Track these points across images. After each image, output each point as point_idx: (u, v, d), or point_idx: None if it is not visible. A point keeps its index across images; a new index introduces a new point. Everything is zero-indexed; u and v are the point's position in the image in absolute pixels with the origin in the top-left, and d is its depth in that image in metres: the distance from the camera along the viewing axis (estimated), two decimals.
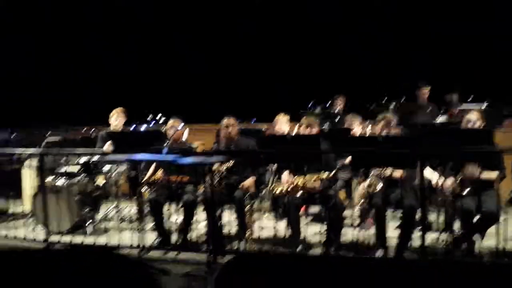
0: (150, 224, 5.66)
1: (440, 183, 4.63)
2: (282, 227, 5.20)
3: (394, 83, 7.43)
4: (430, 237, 5.06)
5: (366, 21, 8.54)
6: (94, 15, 10.28)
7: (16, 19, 10.88)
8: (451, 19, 7.95)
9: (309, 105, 7.22)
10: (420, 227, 4.48)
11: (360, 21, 8.59)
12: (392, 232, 4.81)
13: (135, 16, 10.22)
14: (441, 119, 6.73)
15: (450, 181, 4.56)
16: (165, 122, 5.87)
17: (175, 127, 5.68)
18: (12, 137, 7.72)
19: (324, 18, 8.74)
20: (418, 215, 4.62)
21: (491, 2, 7.66)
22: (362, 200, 4.85)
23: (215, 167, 4.88)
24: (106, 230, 5.80)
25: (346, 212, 5.19)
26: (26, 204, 6.44)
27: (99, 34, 10.38)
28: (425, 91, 7.32)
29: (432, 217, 5.43)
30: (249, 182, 5.26)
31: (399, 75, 7.74)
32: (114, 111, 6.65)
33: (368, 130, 6.38)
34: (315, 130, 5.28)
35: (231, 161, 5.27)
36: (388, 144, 4.52)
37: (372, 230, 4.77)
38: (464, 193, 4.44)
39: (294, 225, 4.84)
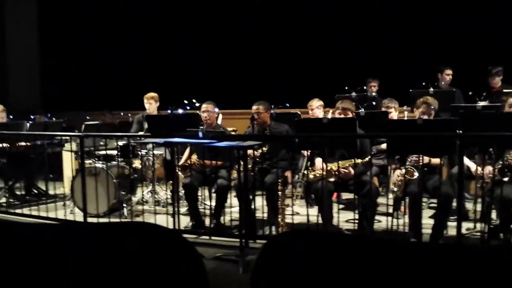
0: (184, 208, 5.76)
1: (479, 170, 4.48)
2: (314, 213, 5.17)
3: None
4: (466, 226, 4.93)
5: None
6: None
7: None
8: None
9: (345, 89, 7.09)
10: (456, 216, 4.37)
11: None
12: (427, 221, 4.71)
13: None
14: (482, 103, 6.47)
15: (490, 168, 4.40)
16: (200, 107, 5.90)
17: (210, 111, 5.71)
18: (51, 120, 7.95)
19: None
20: (454, 204, 4.50)
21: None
22: (396, 189, 4.75)
23: (249, 151, 4.87)
24: (141, 213, 5.93)
25: (380, 200, 5.10)
26: (65, 186, 6.65)
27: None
28: (449, 73, 6.94)
29: (469, 206, 5.28)
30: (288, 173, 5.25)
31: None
32: (144, 97, 6.80)
33: (406, 114, 6.23)
34: (351, 114, 5.17)
35: (266, 146, 5.26)
36: (427, 128, 4.37)
37: (406, 219, 4.67)
38: (505, 179, 4.28)
39: (326, 211, 4.80)
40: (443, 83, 6.95)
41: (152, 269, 1.14)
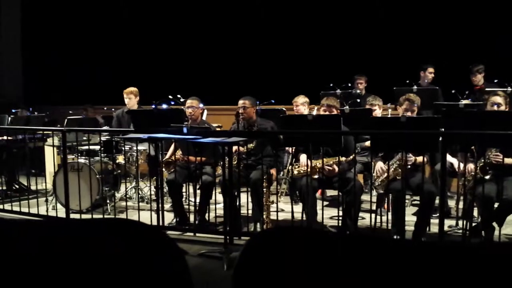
0: (168, 204, 5.73)
1: (461, 168, 4.53)
2: (298, 210, 5.19)
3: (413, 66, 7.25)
4: (448, 223, 4.99)
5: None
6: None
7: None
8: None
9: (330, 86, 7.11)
10: (438, 214, 4.41)
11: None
12: (410, 218, 4.75)
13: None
14: (464, 101, 6.54)
15: (472, 166, 4.45)
16: (185, 103, 5.87)
17: (194, 107, 5.68)
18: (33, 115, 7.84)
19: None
20: (437, 201, 4.55)
21: None
22: (378, 183, 4.77)
23: (234, 148, 4.86)
24: (125, 209, 5.88)
25: (364, 197, 5.13)
26: (48, 181, 6.57)
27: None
28: (431, 71, 7.01)
29: (451, 203, 5.34)
30: (273, 171, 5.24)
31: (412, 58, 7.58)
32: (124, 92, 6.75)
33: (390, 112, 6.28)
34: (335, 111, 5.19)
35: (253, 142, 5.25)
36: (410, 126, 4.41)
37: (389, 216, 4.71)
38: (487, 177, 4.34)
39: (310, 208, 4.81)
40: (426, 81, 7.03)
41: (134, 267, 1.13)
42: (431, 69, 7.04)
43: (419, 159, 4.63)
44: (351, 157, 4.73)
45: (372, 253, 1.15)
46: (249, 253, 1.19)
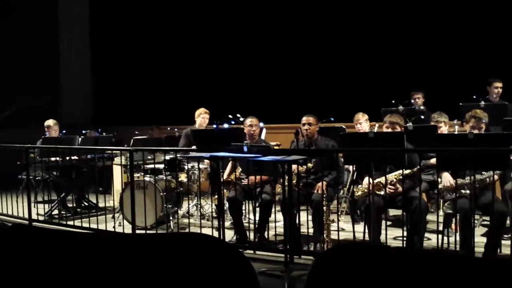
0: (228, 222, 5.79)
1: None
2: (359, 230, 5.08)
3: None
4: None
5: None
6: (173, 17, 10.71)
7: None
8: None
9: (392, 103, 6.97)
10: (510, 234, 4.18)
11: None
12: (479, 239, 4.53)
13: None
14: None
15: None
16: (243, 122, 5.96)
17: (253, 126, 5.74)
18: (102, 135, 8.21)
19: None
20: (508, 221, 4.31)
21: None
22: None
23: (294, 167, 4.84)
24: (187, 226, 6.00)
25: (429, 217, 4.95)
26: (115, 199, 6.83)
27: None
28: (498, 86, 6.62)
29: None
30: (319, 187, 5.09)
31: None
32: (198, 111, 6.95)
33: (457, 128, 6.04)
34: (399, 128, 5.06)
35: (312, 162, 5.21)
36: (479, 143, 4.23)
37: (457, 237, 4.51)
38: None
39: (375, 228, 4.67)
40: (494, 96, 6.71)
41: (211, 282, 1.15)
42: (497, 84, 6.68)
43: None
44: (415, 169, 4.58)
45: (441, 272, 1.12)
46: (318, 272, 1.18)
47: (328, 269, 1.19)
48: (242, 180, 5.52)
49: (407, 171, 4.56)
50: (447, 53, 7.96)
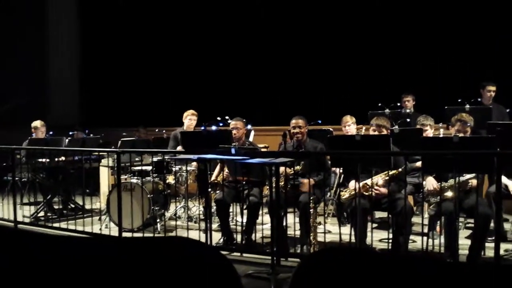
0: (216, 224, 5.79)
1: None
2: (346, 232, 5.11)
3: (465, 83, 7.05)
4: (504, 247, 4.77)
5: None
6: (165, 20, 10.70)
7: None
8: None
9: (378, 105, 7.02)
10: (493, 237, 4.23)
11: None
12: (463, 242, 4.59)
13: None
14: None
15: None
16: None
17: (239, 128, 5.74)
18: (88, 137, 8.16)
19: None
20: (492, 224, 4.37)
21: None
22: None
23: (282, 169, 4.85)
24: (174, 228, 5.99)
25: (414, 219, 5.00)
26: (101, 201, 6.80)
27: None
28: (491, 89, 6.69)
29: (507, 226, 5.12)
30: (305, 184, 5.10)
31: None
32: (186, 113, 6.93)
33: (442, 132, 6.11)
34: (385, 131, 5.11)
35: (300, 164, 5.23)
36: (464, 146, 4.28)
37: (442, 239, 4.56)
38: None
39: (361, 230, 4.70)
40: (487, 99, 6.77)
41: (194, 285, 1.16)
42: (490, 87, 6.70)
43: (474, 181, 4.47)
44: (400, 169, 4.62)
45: (425, 275, 1.14)
46: (302, 275, 1.19)
47: (312, 271, 1.21)
48: (229, 179, 5.50)
49: (392, 172, 4.61)
50: (435, 56, 8.03)
